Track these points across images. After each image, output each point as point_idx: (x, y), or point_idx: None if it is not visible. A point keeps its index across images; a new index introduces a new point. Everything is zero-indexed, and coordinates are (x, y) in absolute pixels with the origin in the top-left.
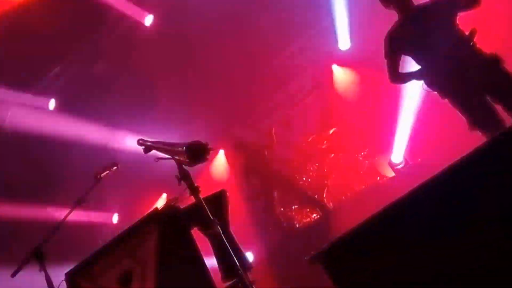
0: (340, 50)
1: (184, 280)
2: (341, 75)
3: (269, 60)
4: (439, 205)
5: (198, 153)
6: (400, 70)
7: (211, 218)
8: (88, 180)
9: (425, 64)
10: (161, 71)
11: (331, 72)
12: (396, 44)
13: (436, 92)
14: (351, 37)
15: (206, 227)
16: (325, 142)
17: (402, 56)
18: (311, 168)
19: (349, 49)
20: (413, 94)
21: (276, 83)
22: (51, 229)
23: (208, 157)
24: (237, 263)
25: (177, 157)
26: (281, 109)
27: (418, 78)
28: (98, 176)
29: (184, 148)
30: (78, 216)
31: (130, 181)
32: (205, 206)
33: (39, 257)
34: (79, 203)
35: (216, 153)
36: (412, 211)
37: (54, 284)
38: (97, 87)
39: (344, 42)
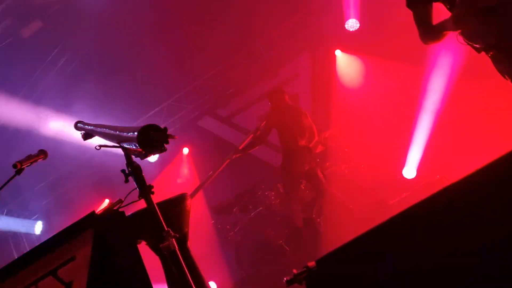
0: (346, 31)
1: None
2: (345, 64)
3: (255, 39)
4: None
5: (153, 140)
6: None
7: (165, 228)
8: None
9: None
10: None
11: (333, 58)
12: None
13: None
14: (361, 16)
15: (157, 240)
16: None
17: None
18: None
19: (357, 30)
20: (436, 91)
21: (262, 70)
22: None
23: (165, 147)
24: None
25: (125, 145)
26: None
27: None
28: (19, 167)
29: (136, 133)
30: None
31: (62, 179)
32: (158, 212)
33: None
34: None
35: (180, 149)
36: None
37: None
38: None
39: (352, 22)
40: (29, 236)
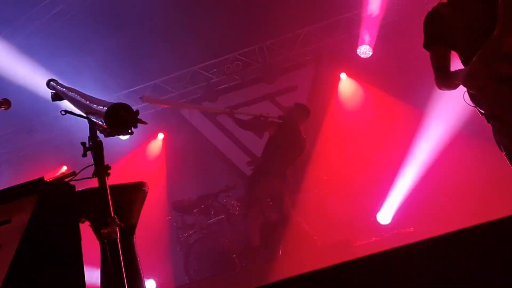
0: (356, 55)
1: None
2: (347, 88)
3: (263, 39)
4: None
5: (121, 121)
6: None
7: (111, 214)
8: None
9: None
10: None
11: (337, 79)
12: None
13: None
14: (376, 45)
15: (101, 225)
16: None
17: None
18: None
19: (367, 58)
20: (430, 141)
21: (260, 72)
22: None
23: (132, 130)
24: None
25: (92, 118)
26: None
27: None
28: None
29: (105, 108)
30: None
31: (21, 134)
32: (109, 195)
33: None
34: None
35: (156, 134)
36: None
37: None
38: None
39: (365, 48)
40: None
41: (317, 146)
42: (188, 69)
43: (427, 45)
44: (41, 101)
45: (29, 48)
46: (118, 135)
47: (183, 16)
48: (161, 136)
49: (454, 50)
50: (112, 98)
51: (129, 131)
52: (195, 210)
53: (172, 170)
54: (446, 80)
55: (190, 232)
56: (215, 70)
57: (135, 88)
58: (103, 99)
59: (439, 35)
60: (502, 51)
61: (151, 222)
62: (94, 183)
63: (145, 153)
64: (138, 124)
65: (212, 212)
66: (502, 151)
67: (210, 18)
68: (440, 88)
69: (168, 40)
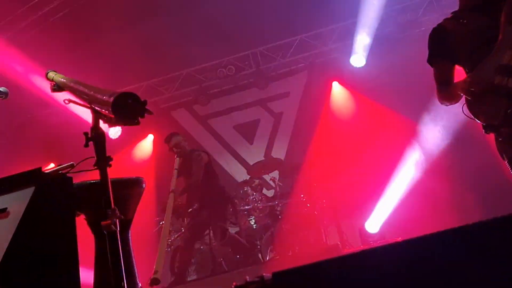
0: (350, 65)
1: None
2: (339, 97)
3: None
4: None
5: (129, 110)
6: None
7: (112, 206)
8: None
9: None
10: None
11: (329, 87)
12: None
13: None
14: (368, 56)
15: (99, 217)
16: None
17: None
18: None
19: (362, 67)
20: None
21: (253, 78)
22: None
23: (138, 120)
24: (124, 284)
25: (96, 107)
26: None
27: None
28: None
29: (112, 97)
30: None
31: (10, 129)
32: (110, 187)
33: None
34: None
35: (146, 134)
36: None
37: None
38: None
39: (358, 58)
40: None
41: (308, 153)
42: (181, 71)
43: (430, 60)
44: (32, 98)
45: (22, 42)
46: (124, 124)
47: (176, 19)
48: (151, 137)
49: (459, 64)
50: None
51: (135, 121)
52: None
53: (161, 171)
54: (449, 93)
55: (176, 235)
56: (207, 73)
57: (127, 87)
58: None
59: (442, 51)
60: (502, 63)
61: (139, 222)
62: (88, 177)
63: (134, 153)
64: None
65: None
66: (504, 159)
67: (204, 22)
68: (442, 103)
69: (161, 42)
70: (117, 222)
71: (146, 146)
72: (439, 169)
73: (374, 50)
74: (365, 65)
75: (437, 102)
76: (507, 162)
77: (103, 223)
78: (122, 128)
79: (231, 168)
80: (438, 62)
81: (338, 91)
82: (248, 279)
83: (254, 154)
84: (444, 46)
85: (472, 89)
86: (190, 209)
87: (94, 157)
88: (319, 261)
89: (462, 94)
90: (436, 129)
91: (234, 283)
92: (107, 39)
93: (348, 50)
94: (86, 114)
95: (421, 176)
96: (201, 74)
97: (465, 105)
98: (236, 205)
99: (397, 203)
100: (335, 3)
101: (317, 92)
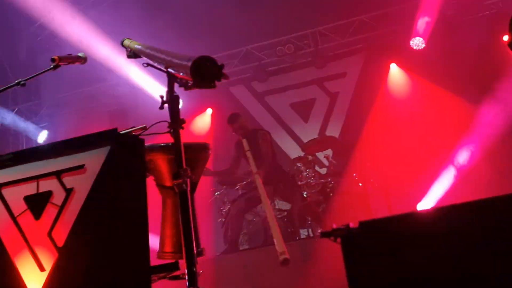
0: (409, 47)
1: (113, 241)
2: (396, 79)
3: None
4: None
5: (207, 72)
6: None
7: (184, 166)
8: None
9: None
10: None
11: (387, 69)
12: None
13: None
14: (429, 39)
15: (168, 178)
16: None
17: None
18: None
19: (422, 50)
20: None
21: (312, 57)
22: None
23: (215, 83)
24: (193, 239)
25: (172, 71)
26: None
27: None
28: (57, 62)
29: (191, 61)
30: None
31: (82, 97)
32: (183, 148)
33: None
34: (22, 84)
35: (205, 108)
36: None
37: None
38: None
39: (418, 41)
40: (29, 141)
41: (363, 133)
42: (241, 48)
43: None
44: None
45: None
46: (200, 87)
47: None
48: (209, 111)
49: None
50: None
51: (212, 83)
52: (238, 185)
53: (218, 144)
54: None
55: (230, 206)
56: (267, 51)
57: None
58: None
59: None
60: None
61: (197, 191)
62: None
63: (193, 126)
64: (188, 98)
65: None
66: None
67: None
68: None
69: (222, 19)
70: (188, 181)
71: (205, 119)
72: (493, 156)
73: (435, 33)
74: (425, 48)
75: (496, 86)
76: None
77: (175, 181)
78: (182, 100)
79: (285, 145)
80: None
81: (395, 73)
82: (335, 227)
83: (309, 132)
84: None
85: None
86: (245, 182)
87: (166, 121)
88: (401, 213)
89: None
90: (494, 114)
91: (319, 230)
92: (173, 15)
93: (408, 32)
94: (149, 85)
95: (474, 162)
96: (260, 52)
97: None
98: (295, 182)
99: (449, 188)
100: None
101: (374, 74)
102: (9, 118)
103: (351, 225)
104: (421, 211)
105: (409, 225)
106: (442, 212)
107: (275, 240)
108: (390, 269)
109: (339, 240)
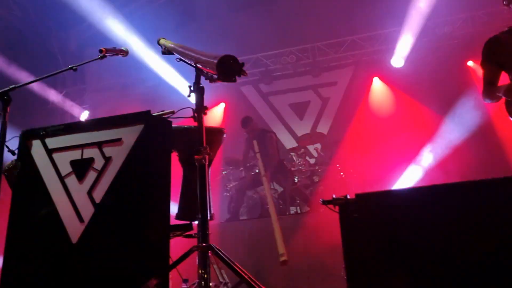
0: (390, 65)
1: (141, 202)
2: (378, 90)
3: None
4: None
5: (230, 69)
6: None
7: (204, 144)
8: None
9: None
10: None
11: (370, 81)
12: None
13: None
14: (407, 59)
15: (190, 154)
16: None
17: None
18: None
19: (400, 68)
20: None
21: (309, 66)
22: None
23: (236, 78)
24: (207, 204)
25: (200, 66)
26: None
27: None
28: (104, 53)
29: (217, 59)
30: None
31: (120, 86)
32: (204, 130)
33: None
34: (74, 69)
35: (219, 102)
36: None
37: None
38: None
39: (398, 60)
40: (74, 119)
41: (347, 132)
42: (252, 55)
43: (482, 63)
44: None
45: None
46: (223, 80)
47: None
48: (222, 105)
49: (505, 71)
50: None
51: (233, 78)
52: (242, 167)
53: (228, 133)
54: (492, 93)
55: (234, 184)
56: (273, 59)
57: None
58: None
59: (493, 57)
60: None
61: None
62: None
63: (207, 117)
64: (206, 92)
65: (256, 170)
66: None
67: (276, 18)
68: (485, 100)
69: (238, 31)
70: (207, 157)
71: (217, 112)
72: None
73: (412, 54)
74: (403, 66)
75: (459, 101)
76: None
77: (196, 156)
78: None
79: (282, 137)
80: (488, 66)
81: (377, 85)
82: (334, 196)
83: (302, 128)
84: (496, 54)
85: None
86: (249, 164)
87: (190, 107)
88: (394, 189)
89: (501, 96)
90: (455, 124)
91: (320, 199)
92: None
93: (390, 52)
94: (173, 78)
95: (435, 163)
96: (267, 59)
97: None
98: (290, 170)
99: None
100: (384, 13)
101: (360, 84)
102: (58, 99)
103: (349, 196)
104: (408, 187)
105: (398, 198)
106: (427, 189)
107: (277, 242)
108: (381, 234)
109: (337, 208)
